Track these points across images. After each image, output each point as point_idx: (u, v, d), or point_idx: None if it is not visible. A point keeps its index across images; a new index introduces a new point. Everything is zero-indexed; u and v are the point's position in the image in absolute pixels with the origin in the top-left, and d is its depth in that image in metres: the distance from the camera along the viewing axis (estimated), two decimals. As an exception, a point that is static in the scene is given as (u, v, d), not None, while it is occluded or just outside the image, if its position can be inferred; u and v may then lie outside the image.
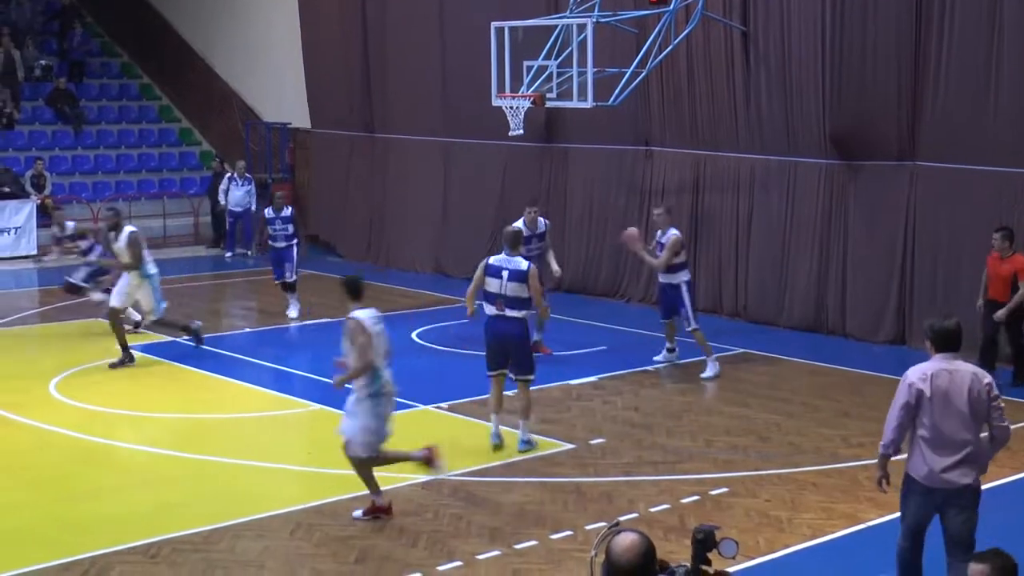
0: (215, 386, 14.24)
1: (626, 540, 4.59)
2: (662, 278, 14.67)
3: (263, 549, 9.10)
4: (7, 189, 24.06)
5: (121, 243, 15.11)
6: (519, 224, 14.78)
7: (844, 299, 16.76)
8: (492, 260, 11.43)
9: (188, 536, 9.29)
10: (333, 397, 13.56)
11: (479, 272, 11.46)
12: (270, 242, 18.01)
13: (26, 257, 23.28)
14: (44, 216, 24.20)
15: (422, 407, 12.96)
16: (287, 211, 17.82)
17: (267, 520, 9.69)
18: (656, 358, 15.00)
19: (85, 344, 16.00)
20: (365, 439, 9.55)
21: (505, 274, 11.20)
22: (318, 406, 13.13)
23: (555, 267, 15.52)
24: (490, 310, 11.35)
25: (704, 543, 5.00)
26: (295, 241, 17.78)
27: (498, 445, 11.45)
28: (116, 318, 15.11)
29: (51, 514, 10.01)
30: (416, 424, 12.44)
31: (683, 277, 14.50)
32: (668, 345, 15.02)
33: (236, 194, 23.94)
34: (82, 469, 11.18)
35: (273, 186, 23.70)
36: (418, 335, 16.32)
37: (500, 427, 11.58)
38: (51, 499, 10.34)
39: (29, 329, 17.54)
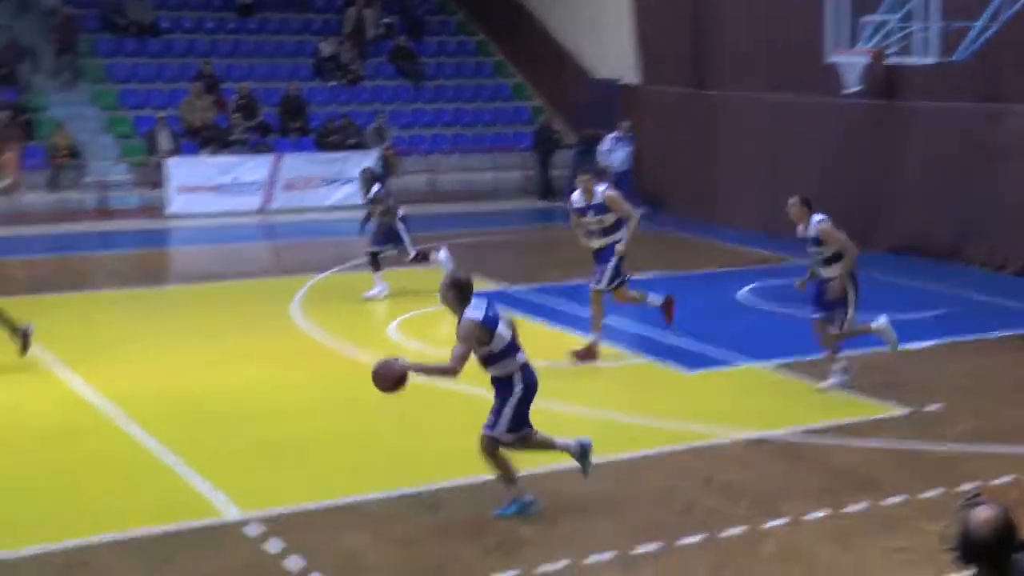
0: (544, 335, 14.46)
1: (983, 514, 4.44)
2: (824, 271, 11.68)
3: (588, 494, 9.20)
4: (352, 141, 25.28)
5: None
6: (575, 195, 13.15)
7: None
8: (483, 315, 8.64)
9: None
10: (653, 349, 13.58)
11: (476, 334, 8.59)
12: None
13: (362, 206, 24.25)
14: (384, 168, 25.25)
15: (745, 365, 12.77)
16: (375, 189, 16.74)
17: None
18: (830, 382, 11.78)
19: (418, 288, 16.55)
20: None
21: (502, 320, 8.82)
22: (641, 358, 13.17)
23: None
24: (523, 356, 8.96)
25: None
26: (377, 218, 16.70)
27: None
28: None
29: (382, 446, 10.46)
30: (741, 381, 12.30)
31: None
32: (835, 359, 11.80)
33: (619, 154, 23.84)
34: (411, 405, 11.55)
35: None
36: (743, 293, 16.07)
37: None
38: (383, 432, 10.78)
39: (365, 275, 18.33)
